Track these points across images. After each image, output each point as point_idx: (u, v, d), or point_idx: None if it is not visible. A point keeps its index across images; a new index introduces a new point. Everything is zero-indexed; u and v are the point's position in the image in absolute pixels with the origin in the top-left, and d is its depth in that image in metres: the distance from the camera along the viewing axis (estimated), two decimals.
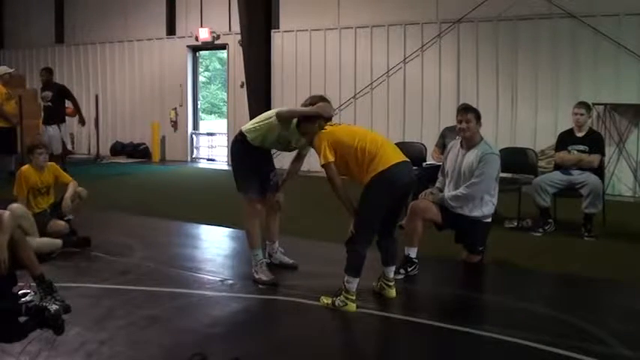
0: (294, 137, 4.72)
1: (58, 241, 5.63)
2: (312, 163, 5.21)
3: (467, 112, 5.23)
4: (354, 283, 4.20)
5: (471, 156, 5.11)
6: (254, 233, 4.87)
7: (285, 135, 4.69)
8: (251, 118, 12.68)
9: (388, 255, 4.49)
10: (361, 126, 5.22)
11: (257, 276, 4.79)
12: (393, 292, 4.47)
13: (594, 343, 3.64)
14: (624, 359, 3.48)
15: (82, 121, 10.76)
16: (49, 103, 10.29)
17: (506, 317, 4.19)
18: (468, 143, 5.19)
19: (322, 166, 4.27)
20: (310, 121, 4.42)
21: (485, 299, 4.77)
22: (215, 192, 9.89)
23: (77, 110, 10.69)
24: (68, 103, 10.69)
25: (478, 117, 5.20)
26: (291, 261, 5.21)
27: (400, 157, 4.29)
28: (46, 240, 5.56)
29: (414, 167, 7.63)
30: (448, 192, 5.23)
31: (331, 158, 4.23)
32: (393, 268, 4.53)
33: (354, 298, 4.19)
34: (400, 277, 4.91)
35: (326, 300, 4.26)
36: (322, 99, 4.55)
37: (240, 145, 4.86)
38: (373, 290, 4.54)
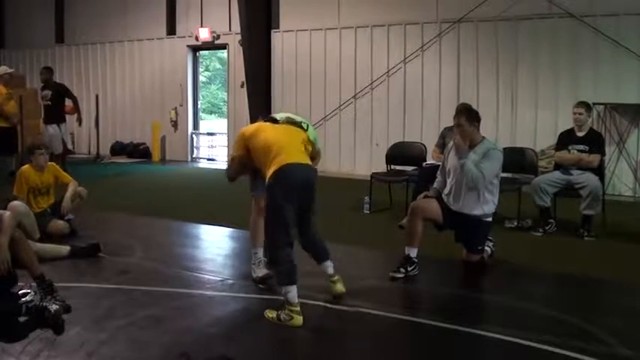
0: None
1: (65, 248, 5.51)
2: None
3: (459, 115, 5.22)
4: (292, 292, 4.00)
5: (474, 155, 5.11)
6: (257, 232, 4.87)
7: None
8: (251, 118, 12.76)
9: (316, 253, 4.39)
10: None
11: (254, 274, 4.81)
12: (340, 287, 4.36)
13: (594, 343, 3.65)
14: (624, 359, 3.48)
15: (79, 120, 10.75)
16: (49, 102, 10.29)
17: (506, 317, 4.19)
18: (469, 143, 5.19)
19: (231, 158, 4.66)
20: None
21: (485, 299, 4.77)
22: (215, 192, 9.89)
23: (77, 109, 10.68)
24: (68, 102, 10.68)
25: (472, 118, 5.18)
26: None
27: (297, 158, 4.18)
28: (52, 246, 5.48)
29: (414, 167, 7.80)
30: (448, 190, 5.24)
31: (234, 153, 4.56)
32: (328, 263, 4.40)
33: (298, 309, 3.98)
34: (400, 276, 4.92)
35: (270, 314, 4.06)
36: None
37: None
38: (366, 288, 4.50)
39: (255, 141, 4.34)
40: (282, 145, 4.23)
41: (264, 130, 4.41)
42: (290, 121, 4.61)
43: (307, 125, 4.75)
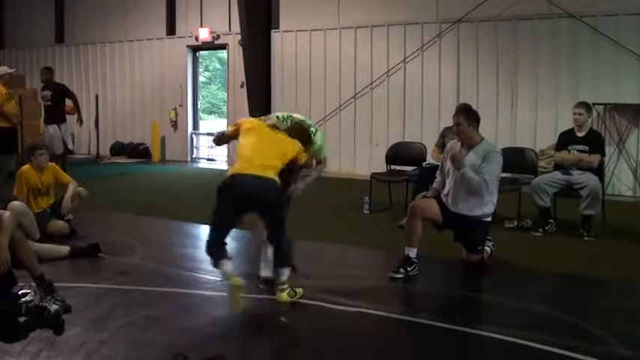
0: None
1: (65, 248, 5.52)
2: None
3: (458, 114, 5.24)
4: (226, 267, 4.25)
5: (473, 156, 5.11)
6: (261, 231, 4.89)
7: None
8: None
9: (276, 258, 4.43)
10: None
11: (261, 273, 4.82)
12: (284, 296, 4.31)
13: (594, 343, 3.65)
14: (624, 359, 3.48)
15: (79, 120, 10.74)
16: (49, 103, 10.29)
17: (506, 317, 4.19)
18: (468, 144, 5.19)
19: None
20: None
21: (485, 299, 4.77)
22: (215, 192, 9.88)
23: (77, 109, 10.68)
24: (68, 102, 10.68)
25: (471, 117, 5.18)
26: None
27: (251, 170, 4.27)
28: (52, 246, 5.49)
29: (414, 167, 7.80)
30: (447, 191, 5.24)
31: (227, 129, 4.89)
32: (283, 271, 4.36)
33: (231, 276, 4.18)
34: (400, 276, 4.92)
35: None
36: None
37: None
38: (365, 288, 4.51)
39: (242, 137, 4.53)
40: (248, 152, 4.38)
41: (252, 134, 4.51)
42: (294, 127, 4.65)
43: (316, 131, 4.76)
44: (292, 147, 4.54)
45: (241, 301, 4.15)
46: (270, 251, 4.87)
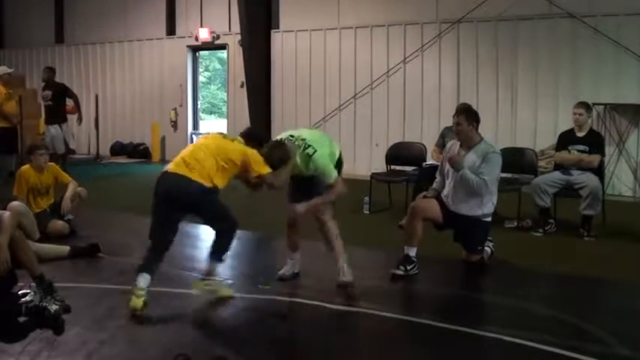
0: (302, 165, 4.67)
1: (65, 248, 5.52)
2: None
3: (458, 114, 5.24)
4: (139, 278, 4.13)
5: (472, 156, 5.11)
6: (289, 238, 5.01)
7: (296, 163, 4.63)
8: (250, 119, 12.73)
9: (212, 246, 4.53)
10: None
11: (283, 272, 4.93)
12: (198, 285, 4.40)
13: (594, 342, 3.65)
14: (624, 359, 3.48)
15: (79, 119, 10.75)
16: (49, 103, 10.29)
17: (506, 317, 4.19)
18: (467, 144, 5.19)
19: None
20: None
21: (485, 299, 4.77)
22: None
23: (78, 108, 10.69)
24: (69, 101, 10.69)
25: (471, 117, 5.18)
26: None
27: (177, 169, 4.25)
28: (51, 247, 5.49)
29: (414, 167, 7.80)
30: (447, 192, 5.24)
31: None
32: (213, 265, 4.45)
33: (139, 293, 4.06)
34: (400, 273, 4.91)
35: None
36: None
37: None
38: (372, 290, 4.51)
39: None
40: (179, 156, 4.38)
41: (196, 141, 4.58)
42: (269, 145, 4.57)
43: (314, 152, 4.59)
44: (241, 150, 4.35)
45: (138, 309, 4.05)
46: (297, 256, 4.95)
